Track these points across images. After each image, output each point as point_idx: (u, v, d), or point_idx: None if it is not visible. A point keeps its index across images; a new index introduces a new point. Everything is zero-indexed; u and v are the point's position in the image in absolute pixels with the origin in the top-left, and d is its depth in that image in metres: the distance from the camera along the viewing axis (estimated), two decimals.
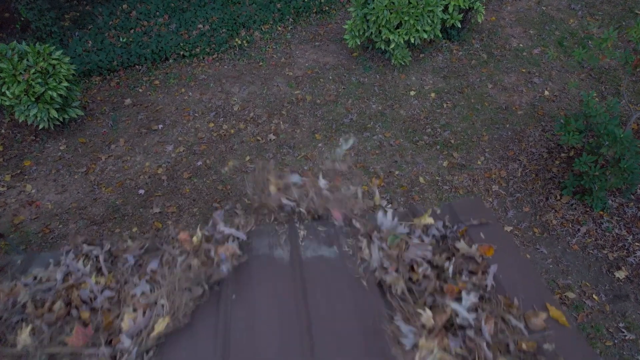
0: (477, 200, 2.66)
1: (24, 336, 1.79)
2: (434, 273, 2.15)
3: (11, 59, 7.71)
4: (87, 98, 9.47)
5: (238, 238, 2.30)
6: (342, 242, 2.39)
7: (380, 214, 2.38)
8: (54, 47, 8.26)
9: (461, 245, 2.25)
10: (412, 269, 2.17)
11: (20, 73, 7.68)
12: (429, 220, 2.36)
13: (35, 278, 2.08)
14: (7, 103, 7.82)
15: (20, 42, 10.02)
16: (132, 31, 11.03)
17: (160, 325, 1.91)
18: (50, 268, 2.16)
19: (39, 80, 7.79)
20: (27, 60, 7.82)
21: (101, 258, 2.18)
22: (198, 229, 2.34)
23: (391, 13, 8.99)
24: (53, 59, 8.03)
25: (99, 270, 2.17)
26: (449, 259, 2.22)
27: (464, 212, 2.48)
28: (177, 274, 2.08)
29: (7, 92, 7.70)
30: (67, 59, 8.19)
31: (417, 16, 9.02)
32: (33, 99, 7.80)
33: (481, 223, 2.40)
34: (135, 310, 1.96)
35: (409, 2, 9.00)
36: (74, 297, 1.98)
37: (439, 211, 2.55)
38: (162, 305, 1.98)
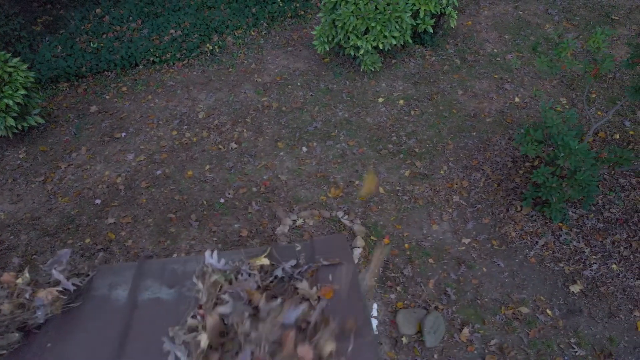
0: (339, 238, 2.53)
1: None
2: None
3: None
4: (52, 105, 9.36)
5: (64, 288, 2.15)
6: (186, 283, 2.25)
7: (207, 254, 2.26)
8: (10, 54, 8.14)
9: (302, 285, 2.13)
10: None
11: None
12: (264, 261, 2.24)
13: None
14: None
15: None
16: (104, 36, 10.93)
17: None
18: None
19: None
20: None
21: None
22: (26, 271, 2.19)
23: (357, 19, 8.85)
24: (9, 67, 7.93)
25: None
26: (280, 297, 2.11)
27: (322, 252, 2.36)
28: None
29: None
30: (24, 67, 8.08)
31: (384, 22, 8.88)
32: None
33: (332, 264, 2.27)
34: None
35: (376, 8, 8.86)
36: None
37: (298, 248, 2.42)
38: None
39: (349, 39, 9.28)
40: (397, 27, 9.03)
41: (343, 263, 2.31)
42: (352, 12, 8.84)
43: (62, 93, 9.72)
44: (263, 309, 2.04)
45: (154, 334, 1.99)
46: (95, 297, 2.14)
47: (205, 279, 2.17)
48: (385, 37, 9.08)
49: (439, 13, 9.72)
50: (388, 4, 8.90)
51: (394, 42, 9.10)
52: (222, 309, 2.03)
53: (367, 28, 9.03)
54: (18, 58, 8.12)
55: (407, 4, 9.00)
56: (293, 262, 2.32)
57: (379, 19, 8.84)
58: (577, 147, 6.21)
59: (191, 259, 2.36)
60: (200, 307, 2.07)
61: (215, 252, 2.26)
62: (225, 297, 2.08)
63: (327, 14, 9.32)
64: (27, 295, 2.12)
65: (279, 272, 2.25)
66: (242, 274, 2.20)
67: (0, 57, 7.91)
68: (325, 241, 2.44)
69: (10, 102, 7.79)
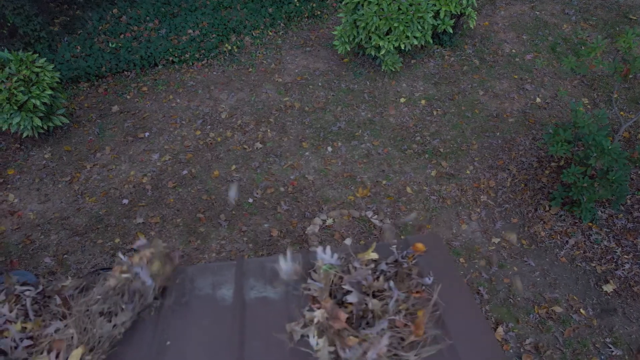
0: (433, 236, 2.56)
1: None
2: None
3: None
4: (74, 105, 9.36)
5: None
6: (289, 282, 2.28)
7: (319, 250, 2.28)
8: (37, 54, 8.16)
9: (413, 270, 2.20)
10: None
11: (2, 81, 7.58)
12: (373, 255, 2.27)
13: None
14: None
15: (8, 48, 9.95)
16: (121, 36, 10.93)
17: (74, 357, 1.80)
18: None
19: (22, 88, 7.69)
20: (10, 68, 7.72)
21: (28, 302, 2.07)
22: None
23: (380, 19, 8.88)
24: (36, 67, 7.93)
25: (27, 315, 2.06)
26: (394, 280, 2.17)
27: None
28: (87, 299, 1.98)
29: None
30: (50, 67, 8.09)
31: (406, 22, 8.91)
32: (16, 107, 7.70)
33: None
34: (50, 351, 1.85)
35: (399, 9, 8.89)
36: None
37: (394, 245, 2.46)
38: (72, 336, 1.87)
39: (370, 39, 9.31)
40: (419, 27, 9.06)
41: (437, 250, 2.35)
42: (375, 12, 8.87)
43: (83, 93, 9.72)
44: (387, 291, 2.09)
45: (269, 333, 2.02)
46: (200, 297, 2.16)
47: (319, 273, 2.19)
48: (407, 37, 9.11)
49: (459, 13, 9.75)
50: (411, 5, 8.94)
51: (415, 42, 9.14)
52: (349, 298, 2.05)
53: (390, 28, 9.05)
54: (44, 59, 8.12)
55: (428, 4, 9.03)
56: (393, 257, 2.35)
57: (402, 19, 8.87)
58: (610, 147, 6.24)
59: (293, 257, 2.38)
60: (314, 301, 2.10)
61: (328, 248, 2.29)
62: (347, 286, 2.11)
63: (349, 15, 9.35)
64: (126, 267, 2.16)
65: (383, 266, 2.27)
66: (354, 268, 2.23)
67: (29, 58, 7.92)
68: (420, 239, 2.47)
69: (38, 102, 7.80)
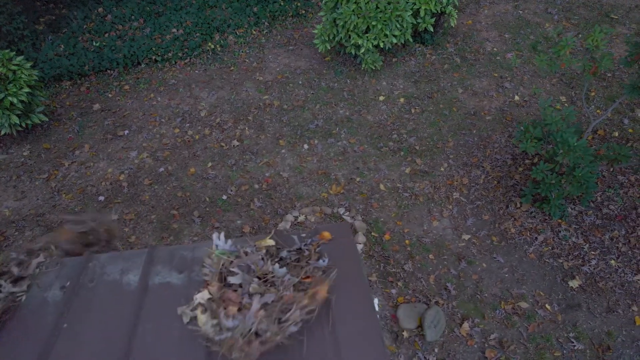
0: (343, 225, 2.61)
1: None
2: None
3: None
4: (55, 103, 9.43)
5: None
6: (195, 268, 2.32)
7: (214, 236, 2.33)
8: (13, 52, 8.21)
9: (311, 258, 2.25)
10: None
11: None
12: (269, 242, 2.32)
13: None
14: None
15: None
16: (106, 35, 10.99)
17: None
18: None
19: None
20: None
21: None
22: None
23: (359, 18, 8.92)
24: (13, 65, 8.00)
25: None
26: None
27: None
28: None
29: None
30: (28, 65, 8.15)
31: (385, 21, 8.95)
32: None
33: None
34: None
35: (377, 7, 8.93)
36: None
37: (304, 235, 2.50)
38: None
39: (349, 37, 9.35)
40: (398, 26, 9.10)
41: (344, 238, 2.40)
42: (353, 11, 8.91)
43: (65, 91, 9.79)
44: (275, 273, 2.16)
45: (163, 315, 2.06)
46: (107, 282, 2.21)
47: (212, 257, 2.24)
48: (386, 35, 9.14)
49: (439, 12, 9.79)
50: (389, 3, 8.98)
51: (394, 40, 9.17)
52: (232, 279, 2.11)
53: (368, 27, 9.10)
54: (22, 56, 8.19)
55: (407, 3, 9.07)
56: (297, 245, 2.39)
57: (380, 17, 8.91)
58: (576, 144, 6.27)
59: (200, 246, 2.43)
60: (206, 284, 2.15)
61: (222, 234, 2.33)
62: (235, 269, 2.16)
63: (328, 13, 9.40)
64: None
65: (284, 254, 2.32)
66: (245, 253, 2.28)
67: (5, 56, 7.98)
68: (329, 228, 2.51)
69: (15, 100, 7.86)
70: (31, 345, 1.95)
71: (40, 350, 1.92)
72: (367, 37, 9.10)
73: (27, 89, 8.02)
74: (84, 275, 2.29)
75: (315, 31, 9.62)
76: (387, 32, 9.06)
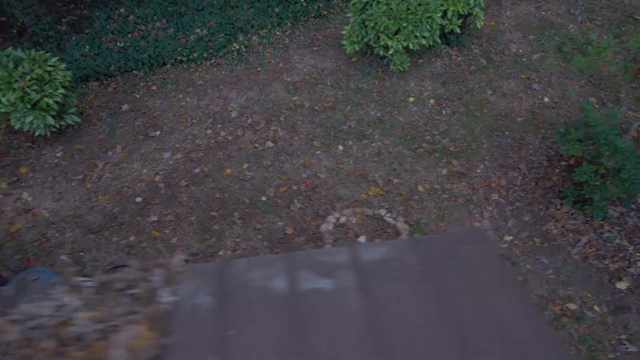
0: (477, 230, 2.62)
1: None
2: None
3: (6, 66, 7.64)
4: (84, 104, 9.40)
5: None
6: (340, 274, 2.33)
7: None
8: (49, 53, 8.19)
9: None
10: None
11: (16, 80, 7.62)
12: None
13: (24, 314, 2.02)
14: (3, 110, 7.75)
15: (16, 47, 9.96)
16: (129, 35, 10.96)
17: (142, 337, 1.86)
18: (40, 302, 2.10)
19: (35, 87, 7.72)
20: (23, 67, 7.75)
21: (91, 291, 2.12)
22: None
23: (389, 19, 8.93)
24: (49, 66, 7.98)
25: (89, 304, 2.11)
26: None
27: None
28: None
29: (3, 99, 7.63)
30: (63, 66, 8.13)
31: (415, 22, 8.96)
32: (29, 106, 7.74)
33: None
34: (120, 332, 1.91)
35: (408, 9, 8.94)
36: (63, 334, 1.93)
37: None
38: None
39: (378, 38, 9.36)
40: (428, 27, 9.11)
41: (483, 243, 2.41)
42: (383, 12, 8.93)
43: (92, 92, 9.76)
44: None
45: (327, 323, 2.06)
46: (255, 288, 2.22)
47: None
48: (416, 37, 9.15)
49: (466, 13, 9.81)
50: (419, 5, 9.00)
51: (423, 42, 9.19)
52: None
53: (399, 28, 9.10)
54: (57, 57, 8.16)
55: (437, 4, 9.09)
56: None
57: (411, 19, 8.92)
58: (622, 146, 6.31)
59: (337, 251, 2.43)
60: None
61: None
62: None
63: (357, 14, 9.41)
64: None
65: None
66: None
67: (41, 57, 7.96)
68: (460, 233, 2.53)
69: (51, 101, 7.84)
70: (203, 352, 1.96)
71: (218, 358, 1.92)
72: (397, 38, 9.11)
73: (62, 90, 8.01)
74: (227, 282, 2.29)
75: (344, 32, 9.63)
76: (417, 34, 9.07)
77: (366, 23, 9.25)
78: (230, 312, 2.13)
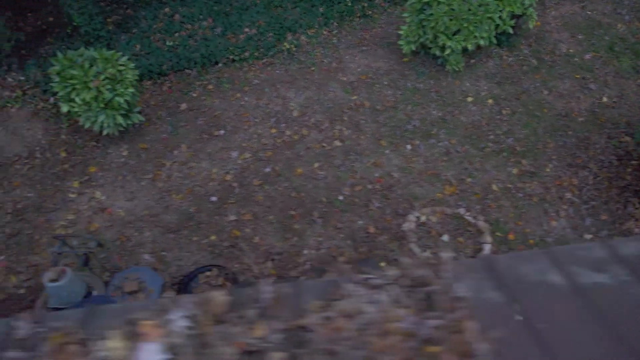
0: None
1: None
2: None
3: (82, 66, 7.63)
4: (140, 103, 9.38)
5: None
6: (612, 268, 2.36)
7: None
8: (120, 52, 8.19)
9: None
10: None
11: (91, 80, 7.60)
12: None
13: (345, 310, 2.03)
14: (75, 109, 7.75)
15: (68, 47, 9.96)
16: (176, 35, 10.98)
17: None
18: (354, 299, 2.11)
19: (108, 86, 7.72)
20: (97, 66, 7.75)
21: (388, 288, 2.14)
22: None
23: (451, 20, 8.98)
24: (120, 65, 7.97)
25: (396, 300, 2.13)
26: None
27: None
28: None
29: (77, 99, 7.63)
30: (132, 65, 8.14)
31: (476, 23, 9.01)
32: (102, 105, 7.74)
33: None
34: None
35: (469, 9, 8.99)
36: (396, 331, 1.94)
37: None
38: None
39: (436, 39, 9.40)
40: (487, 28, 9.17)
41: None
42: (445, 12, 8.97)
43: (147, 91, 9.76)
44: None
45: (625, 317, 2.09)
46: (534, 282, 2.24)
47: None
48: (475, 37, 9.20)
49: (520, 14, 9.86)
50: (480, 5, 9.04)
51: (482, 42, 9.25)
52: None
53: (459, 28, 9.14)
54: (126, 57, 8.15)
55: (497, 5, 9.15)
56: None
57: (472, 19, 8.98)
58: None
59: (593, 247, 2.46)
60: None
61: None
62: None
63: (414, 15, 9.45)
64: None
65: None
66: None
67: (113, 56, 7.95)
68: None
69: (121, 100, 7.84)
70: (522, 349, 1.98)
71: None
72: (456, 38, 9.16)
73: (131, 89, 8.01)
74: (504, 277, 2.32)
75: (401, 32, 9.67)
76: (477, 34, 9.12)
77: (424, 23, 9.29)
78: (525, 306, 2.15)
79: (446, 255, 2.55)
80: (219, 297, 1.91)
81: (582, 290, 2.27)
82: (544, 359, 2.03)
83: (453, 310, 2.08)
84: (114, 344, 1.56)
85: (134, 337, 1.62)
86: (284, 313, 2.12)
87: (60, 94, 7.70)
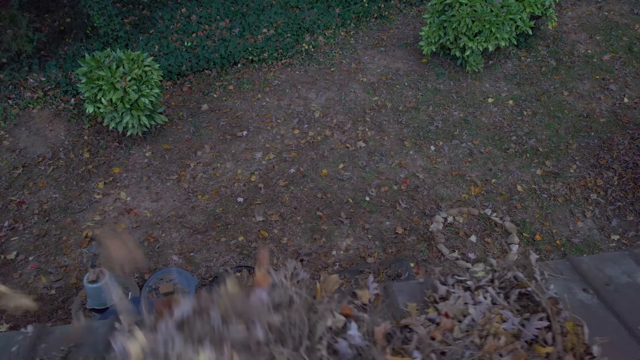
0: None
1: None
2: None
3: (110, 67, 7.64)
4: (162, 103, 9.39)
5: None
6: None
7: None
8: (146, 53, 8.19)
9: None
10: None
11: (118, 80, 7.61)
12: None
13: (452, 311, 2.05)
14: (101, 110, 7.76)
15: (86, 47, 9.97)
16: (194, 35, 10.99)
17: None
18: (454, 301, 2.12)
19: (134, 87, 7.72)
20: (123, 67, 7.75)
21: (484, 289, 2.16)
22: None
23: (473, 21, 9.00)
24: (145, 66, 7.98)
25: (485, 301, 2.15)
26: None
27: None
28: None
29: (103, 100, 7.63)
30: (157, 65, 8.14)
31: (498, 24, 9.03)
32: (128, 106, 7.74)
33: None
34: None
35: (491, 10, 9.01)
36: (501, 332, 1.96)
37: None
38: None
39: (456, 40, 9.42)
40: (508, 29, 9.18)
41: None
42: (467, 14, 8.98)
43: (167, 92, 9.77)
44: None
45: None
46: (623, 284, 2.27)
47: None
48: (496, 38, 9.22)
49: (539, 15, 9.88)
50: (502, 7, 9.06)
51: (503, 44, 9.26)
52: None
53: (480, 30, 9.15)
54: (151, 57, 8.16)
55: (518, 6, 9.17)
56: None
57: (494, 21, 8.99)
58: None
59: None
60: None
61: None
62: None
63: (435, 16, 9.47)
64: None
65: None
66: None
67: (139, 57, 7.95)
68: None
69: (146, 101, 7.84)
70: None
71: None
72: (477, 39, 9.17)
73: (156, 90, 8.01)
74: (590, 278, 2.35)
75: (422, 33, 9.69)
76: (498, 35, 9.14)
77: (445, 24, 9.30)
78: (621, 308, 2.18)
79: (533, 256, 2.57)
80: (335, 278, 2.01)
81: None
82: None
83: (557, 312, 2.10)
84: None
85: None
86: (385, 311, 2.14)
87: (87, 94, 7.70)
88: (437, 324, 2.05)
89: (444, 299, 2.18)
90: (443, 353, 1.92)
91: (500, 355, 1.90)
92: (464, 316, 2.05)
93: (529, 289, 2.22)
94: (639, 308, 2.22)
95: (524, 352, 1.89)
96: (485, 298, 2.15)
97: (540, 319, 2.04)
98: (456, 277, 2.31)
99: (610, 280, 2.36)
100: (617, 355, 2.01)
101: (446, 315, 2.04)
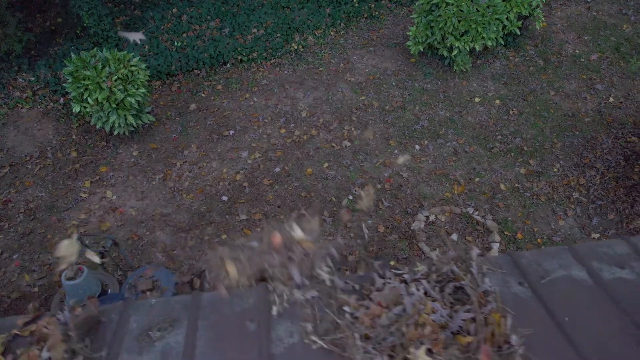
0: None
1: None
2: None
3: (95, 67, 7.70)
4: (150, 103, 9.44)
5: None
6: (633, 264, 2.42)
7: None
8: (132, 53, 8.25)
9: None
10: None
11: (104, 80, 7.67)
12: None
13: (387, 300, 2.11)
14: (87, 110, 7.82)
15: (77, 47, 10.03)
16: (184, 35, 11.04)
17: None
18: (389, 290, 2.18)
19: (120, 87, 7.78)
20: (109, 67, 7.81)
21: (422, 283, 2.21)
22: None
23: (459, 21, 9.04)
24: (132, 66, 8.03)
25: (427, 294, 2.20)
26: None
27: None
28: None
29: (89, 99, 7.69)
30: (144, 65, 8.19)
31: (484, 24, 9.07)
32: (114, 106, 7.80)
33: None
34: None
35: (477, 10, 9.06)
36: (427, 322, 2.01)
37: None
38: None
39: (443, 39, 9.47)
40: (494, 29, 9.23)
41: None
42: (454, 13, 9.03)
43: (156, 91, 9.83)
44: None
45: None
46: (560, 278, 2.31)
47: None
48: (482, 38, 9.27)
49: (527, 15, 9.93)
50: (488, 6, 9.11)
51: (489, 43, 9.31)
52: None
53: (466, 29, 9.20)
54: (137, 57, 8.22)
55: (505, 6, 9.21)
56: None
57: (480, 21, 9.04)
58: None
59: (613, 243, 2.52)
60: None
61: None
62: None
63: (422, 16, 9.52)
64: None
65: None
66: None
67: (125, 57, 8.01)
68: None
69: (133, 101, 7.90)
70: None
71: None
72: (464, 39, 9.22)
73: (143, 89, 8.06)
74: (527, 272, 2.40)
75: (409, 33, 9.74)
76: (484, 35, 9.19)
77: (432, 24, 9.35)
78: (553, 301, 2.23)
79: (474, 251, 2.62)
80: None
81: (604, 285, 2.34)
82: (569, 349, 2.10)
83: (484, 304, 2.15)
84: None
85: None
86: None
87: (73, 94, 7.77)
88: (368, 308, 2.11)
89: (379, 290, 2.23)
90: (368, 337, 1.98)
91: (422, 343, 1.96)
92: (396, 305, 2.11)
93: (462, 282, 2.28)
94: (568, 300, 2.27)
95: (444, 340, 1.95)
96: (418, 290, 2.21)
97: (467, 311, 2.10)
98: (394, 270, 2.37)
99: (547, 274, 2.41)
100: (540, 345, 2.06)
101: (379, 304, 2.10)
